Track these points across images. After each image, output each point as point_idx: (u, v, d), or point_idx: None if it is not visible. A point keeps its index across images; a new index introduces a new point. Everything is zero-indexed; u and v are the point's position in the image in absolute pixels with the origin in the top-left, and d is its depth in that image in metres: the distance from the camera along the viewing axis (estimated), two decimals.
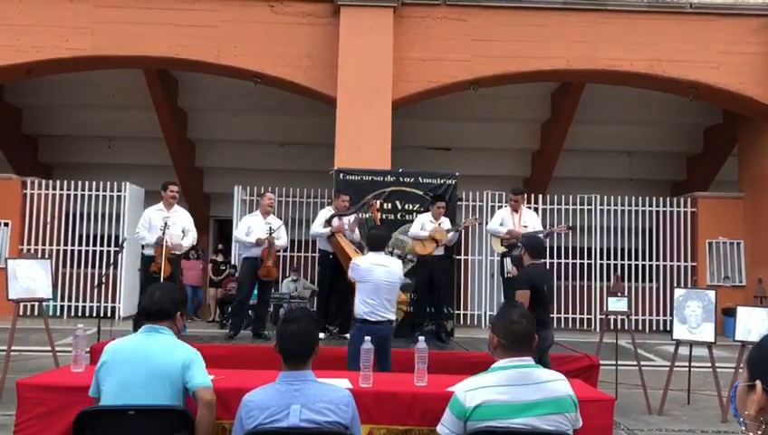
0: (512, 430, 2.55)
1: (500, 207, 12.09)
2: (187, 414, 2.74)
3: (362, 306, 5.06)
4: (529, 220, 7.11)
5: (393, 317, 5.20)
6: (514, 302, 3.18)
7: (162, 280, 6.62)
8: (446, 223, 7.30)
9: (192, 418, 2.75)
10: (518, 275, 5.50)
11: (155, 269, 6.61)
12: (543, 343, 4.94)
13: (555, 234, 7.41)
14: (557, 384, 2.66)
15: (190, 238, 7.06)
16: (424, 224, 7.25)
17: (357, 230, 7.33)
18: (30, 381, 3.82)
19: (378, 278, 5.11)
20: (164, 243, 6.60)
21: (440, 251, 7.24)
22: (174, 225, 6.85)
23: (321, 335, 6.88)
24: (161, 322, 3.06)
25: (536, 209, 11.82)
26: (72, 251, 12.85)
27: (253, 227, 7.03)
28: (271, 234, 6.95)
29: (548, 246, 12.44)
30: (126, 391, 2.84)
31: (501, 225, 7.09)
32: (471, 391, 2.59)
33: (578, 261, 12.95)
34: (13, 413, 3.79)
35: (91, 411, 2.72)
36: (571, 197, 12.94)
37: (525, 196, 7.86)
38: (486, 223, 11.83)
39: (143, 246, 6.95)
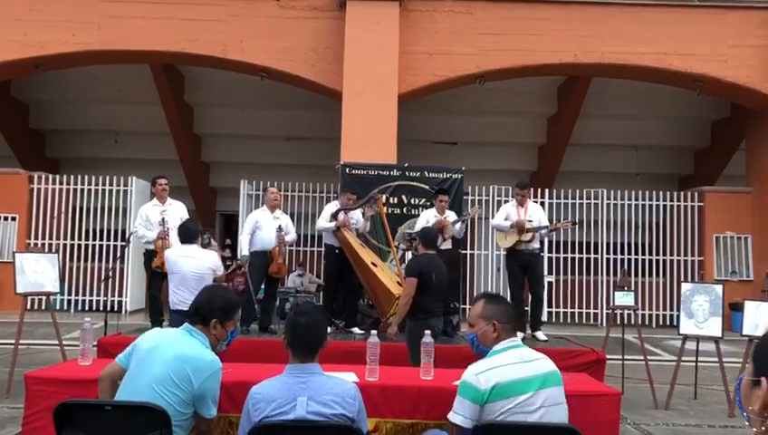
0: (529, 424, 2.61)
1: (506, 201, 12.08)
2: (165, 413, 2.67)
3: (173, 297, 5.34)
4: (534, 214, 7.06)
5: None
6: (487, 291, 3.30)
7: (165, 275, 6.63)
8: (451, 216, 7.28)
9: (169, 418, 2.69)
10: (408, 263, 5.61)
11: (158, 264, 6.62)
12: (431, 331, 5.02)
13: (561, 229, 7.37)
14: (545, 361, 2.79)
15: None
16: (428, 220, 7.23)
17: (367, 224, 7.34)
18: (38, 375, 3.85)
19: (184, 269, 5.30)
20: (166, 237, 6.61)
21: (448, 245, 7.22)
22: (172, 219, 6.85)
23: (328, 329, 6.89)
24: (197, 324, 2.97)
25: (542, 204, 11.81)
26: (79, 245, 12.90)
27: (261, 223, 7.03)
28: (280, 232, 6.95)
29: (554, 240, 12.44)
30: (136, 382, 2.85)
31: (506, 219, 7.06)
32: (482, 373, 2.63)
33: (584, 256, 12.91)
34: (21, 406, 3.82)
35: (71, 404, 2.72)
36: (577, 191, 12.90)
37: (531, 190, 7.81)
38: (491, 217, 11.85)
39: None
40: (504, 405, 2.59)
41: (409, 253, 7.26)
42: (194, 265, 5.31)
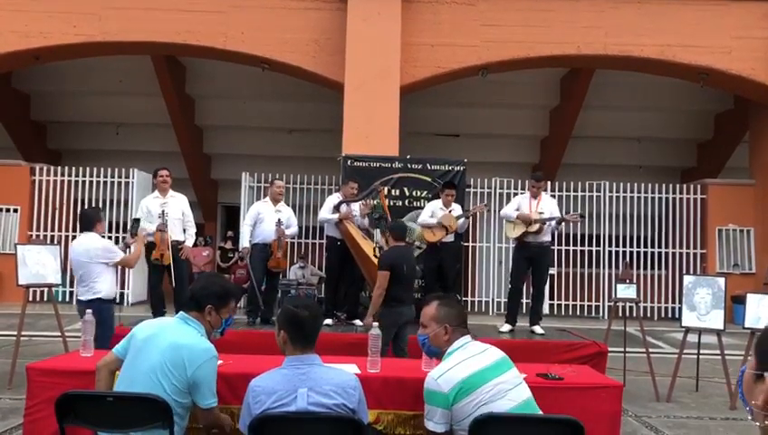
0: (529, 416, 2.66)
1: (509, 193, 12.08)
2: (166, 405, 2.68)
3: None
4: (546, 207, 6.97)
5: (84, 297, 5.33)
6: (439, 293, 3.31)
7: (165, 267, 6.64)
8: (456, 210, 7.25)
9: (170, 409, 2.69)
10: (380, 257, 5.83)
11: (156, 256, 6.62)
12: (401, 318, 5.36)
13: (568, 222, 7.33)
14: (494, 349, 2.87)
15: (191, 232, 7.07)
16: (434, 211, 7.21)
17: (365, 220, 7.33)
18: (40, 366, 3.85)
19: (71, 256, 5.43)
20: (165, 229, 6.61)
21: (450, 238, 7.20)
22: (173, 211, 6.84)
23: (330, 321, 6.90)
24: (191, 311, 2.98)
25: None
26: None
27: (263, 215, 7.03)
28: (280, 226, 6.95)
29: (556, 232, 12.41)
30: (132, 371, 2.85)
31: (516, 210, 7.00)
32: (441, 376, 2.67)
33: (587, 248, 12.90)
34: (23, 397, 3.83)
35: (73, 395, 2.72)
36: (580, 183, 12.87)
37: (547, 183, 7.62)
38: (494, 210, 11.84)
39: None
40: (475, 398, 2.62)
41: (377, 231, 7.30)
42: (78, 252, 5.36)
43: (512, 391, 2.68)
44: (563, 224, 7.32)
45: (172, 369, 2.78)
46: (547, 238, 7.00)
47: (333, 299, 7.23)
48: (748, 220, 12.87)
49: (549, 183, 12.69)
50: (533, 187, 7.06)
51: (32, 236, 12.52)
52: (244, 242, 7.06)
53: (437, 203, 7.31)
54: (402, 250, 5.58)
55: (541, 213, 6.82)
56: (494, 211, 11.98)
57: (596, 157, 14.71)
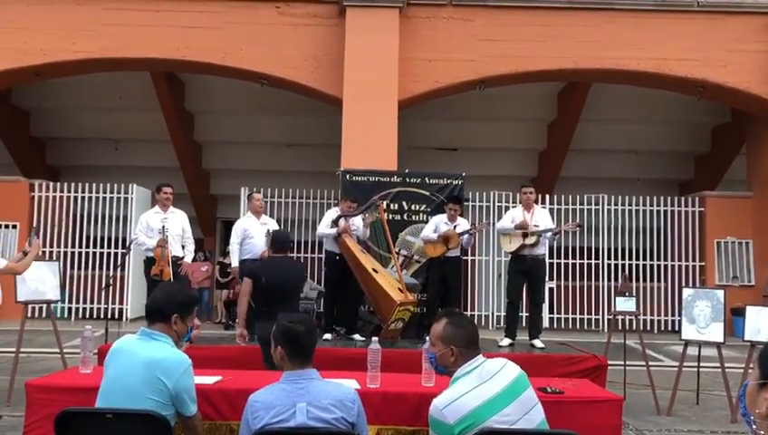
0: (526, 430, 2.58)
1: (507, 207, 12.08)
2: (166, 422, 2.67)
3: None
4: (541, 220, 6.97)
5: None
6: (452, 309, 3.21)
7: (165, 282, 6.64)
8: (463, 224, 7.22)
9: (170, 426, 2.69)
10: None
11: (156, 273, 6.63)
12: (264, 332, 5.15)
13: (565, 232, 7.32)
14: (508, 369, 2.70)
15: (191, 248, 7.07)
16: (438, 226, 7.17)
17: (367, 231, 7.33)
18: (38, 383, 3.84)
19: None
20: (165, 245, 6.62)
21: (455, 251, 7.16)
22: (173, 227, 6.86)
23: (329, 336, 6.88)
24: (155, 324, 2.95)
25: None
26: (80, 253, 12.90)
27: (250, 231, 7.03)
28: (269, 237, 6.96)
29: (554, 245, 12.43)
30: (110, 394, 2.84)
31: (511, 222, 7.00)
32: (446, 407, 2.55)
33: (585, 261, 12.91)
34: (22, 414, 3.81)
35: (72, 413, 2.70)
36: (578, 197, 12.90)
37: (536, 194, 7.63)
38: (493, 223, 11.86)
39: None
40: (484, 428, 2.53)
41: (407, 256, 7.25)
42: None
43: (520, 422, 2.56)
44: (561, 235, 7.30)
45: (151, 387, 2.78)
46: (542, 251, 7.00)
47: (332, 314, 7.21)
48: (746, 232, 12.89)
49: (548, 196, 12.74)
50: (525, 193, 7.06)
51: None
52: (235, 262, 7.05)
53: (442, 217, 7.27)
54: (271, 261, 5.44)
55: (536, 226, 6.83)
56: (493, 224, 12.00)
57: (594, 170, 14.75)
